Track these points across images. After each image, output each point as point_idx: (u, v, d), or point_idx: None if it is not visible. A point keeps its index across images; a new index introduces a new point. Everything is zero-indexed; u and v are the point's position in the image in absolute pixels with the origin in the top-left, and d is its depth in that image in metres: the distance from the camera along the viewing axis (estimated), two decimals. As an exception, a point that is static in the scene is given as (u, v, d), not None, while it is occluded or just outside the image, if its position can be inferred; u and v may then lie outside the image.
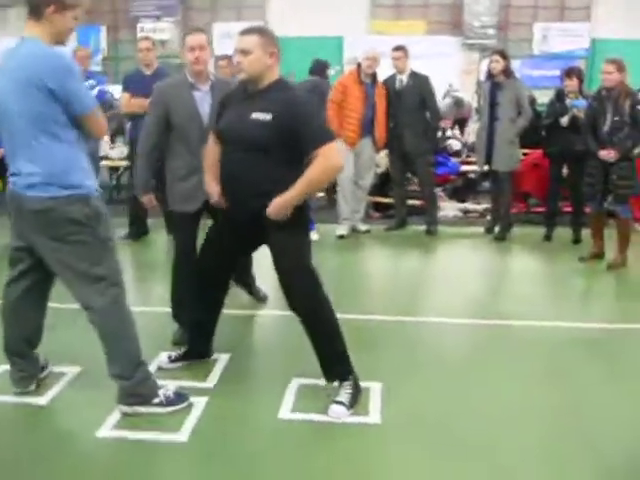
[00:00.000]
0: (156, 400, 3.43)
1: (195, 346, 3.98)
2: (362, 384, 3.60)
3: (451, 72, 18.20)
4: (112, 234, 3.43)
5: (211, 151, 3.66)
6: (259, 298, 5.13)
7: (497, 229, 7.38)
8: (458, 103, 11.37)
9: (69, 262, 3.27)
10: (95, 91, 7.60)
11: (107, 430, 3.25)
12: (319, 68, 8.45)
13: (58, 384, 3.73)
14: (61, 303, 3.78)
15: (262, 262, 3.60)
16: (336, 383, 3.53)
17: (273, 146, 3.30)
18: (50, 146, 3.14)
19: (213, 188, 3.62)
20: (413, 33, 20.94)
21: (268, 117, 3.28)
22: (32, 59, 3.10)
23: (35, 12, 3.15)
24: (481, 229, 7.63)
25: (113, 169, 9.61)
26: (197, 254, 3.88)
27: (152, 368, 3.75)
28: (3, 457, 3.08)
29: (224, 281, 3.88)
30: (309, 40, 20.07)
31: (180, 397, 3.51)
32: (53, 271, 3.39)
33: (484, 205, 8.30)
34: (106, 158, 9.26)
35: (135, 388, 3.40)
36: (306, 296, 3.48)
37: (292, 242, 3.45)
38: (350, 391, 3.48)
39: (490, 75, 7.24)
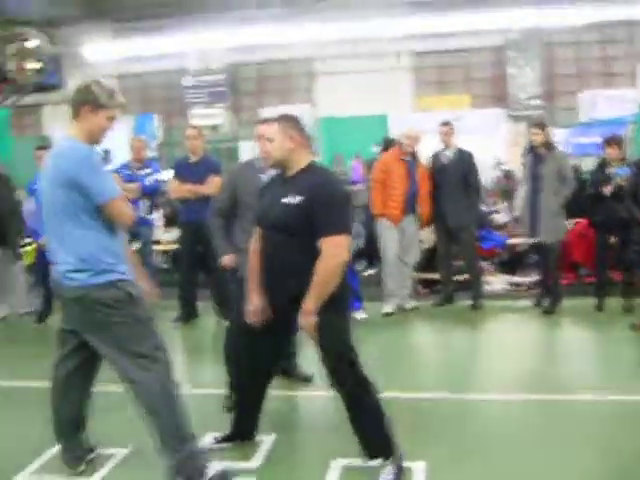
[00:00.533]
0: (206, 476, 3.47)
1: (241, 428, 4.04)
2: (406, 463, 3.59)
3: (498, 144, 18.29)
4: (149, 313, 3.58)
5: (256, 244, 3.75)
6: (303, 379, 5.17)
7: (546, 301, 7.29)
8: (508, 175, 11.48)
9: (110, 343, 3.44)
10: (151, 179, 7.90)
11: (153, 512, 3.31)
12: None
13: (107, 465, 3.83)
14: (109, 386, 3.89)
15: (307, 341, 3.66)
16: (378, 462, 3.53)
17: (302, 230, 3.42)
18: (79, 234, 3.37)
19: (254, 302, 3.69)
20: (458, 107, 21.18)
21: (296, 201, 3.43)
22: (59, 157, 3.42)
23: (74, 112, 3.47)
24: (530, 302, 7.55)
25: (165, 252, 9.87)
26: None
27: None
28: None
29: (272, 360, 3.95)
30: (356, 119, 20.48)
31: (225, 477, 3.55)
32: (97, 351, 3.54)
33: (533, 278, 8.22)
34: (159, 242, 9.54)
35: (185, 463, 3.45)
36: (345, 377, 3.53)
37: (329, 324, 3.48)
38: (393, 471, 3.48)
39: (531, 147, 7.30)
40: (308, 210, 3.42)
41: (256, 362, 3.87)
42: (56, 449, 3.89)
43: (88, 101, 3.45)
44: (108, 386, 3.88)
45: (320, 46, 20.71)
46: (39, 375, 5.21)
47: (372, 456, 3.57)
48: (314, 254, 3.40)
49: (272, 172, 4.33)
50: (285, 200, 3.47)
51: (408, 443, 3.75)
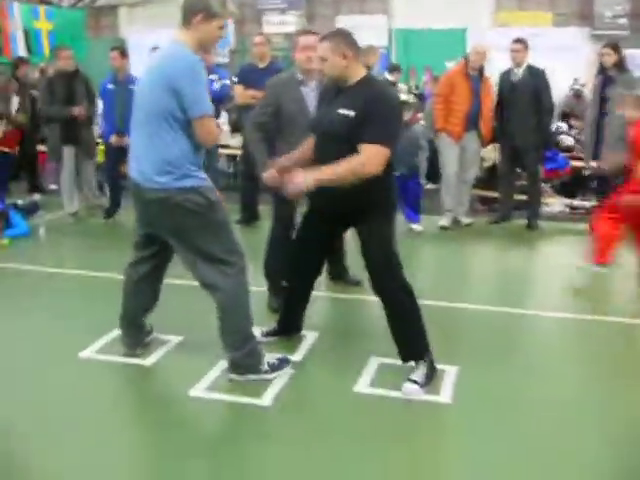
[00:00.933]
0: (263, 368, 3.77)
1: (285, 324, 4.31)
2: (439, 366, 3.80)
3: (579, 65, 17.69)
4: (227, 218, 3.74)
5: (307, 141, 3.96)
6: (353, 284, 5.39)
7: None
8: (578, 95, 11.19)
9: (188, 246, 3.61)
10: (218, 85, 8.02)
11: (199, 391, 3.64)
12: None
13: (161, 349, 4.18)
14: (170, 280, 4.17)
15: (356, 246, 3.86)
16: (412, 363, 3.74)
17: (355, 139, 3.52)
18: (167, 137, 3.44)
19: (272, 168, 4.02)
20: (539, 25, 20.45)
21: (351, 113, 3.52)
22: (166, 60, 3.46)
23: (185, 20, 3.48)
24: (586, 226, 7.51)
25: (231, 157, 10.08)
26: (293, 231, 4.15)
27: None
28: (108, 408, 3.54)
29: (317, 260, 4.14)
30: (432, 33, 20.03)
31: (282, 362, 3.86)
32: (175, 253, 3.77)
33: (593, 202, 8.15)
34: (226, 146, 9.73)
35: (244, 359, 3.74)
36: (388, 281, 3.71)
37: (375, 230, 3.67)
38: (424, 371, 3.69)
39: (602, 69, 7.12)
40: (363, 121, 3.50)
41: (300, 264, 4.09)
42: (116, 332, 4.24)
43: (200, 10, 3.45)
44: (169, 280, 4.16)
45: (398, -46, 20.16)
46: (105, 266, 5.67)
47: (405, 358, 3.77)
48: None
49: (313, 85, 4.54)
50: (341, 111, 3.56)
51: (445, 348, 4.01)
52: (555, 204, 8.31)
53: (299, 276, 4.14)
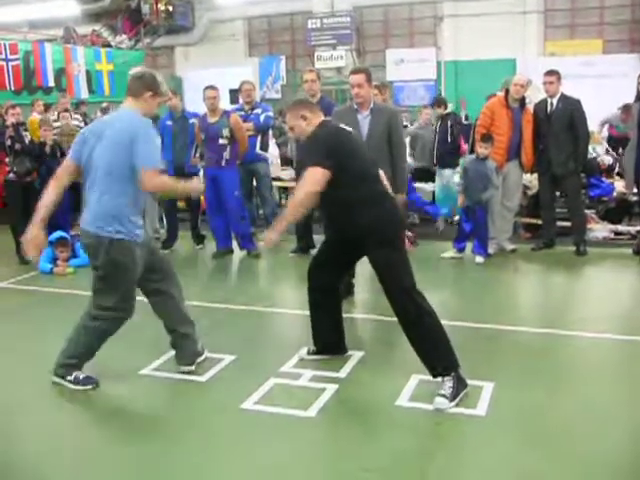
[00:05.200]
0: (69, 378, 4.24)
1: (323, 344, 4.60)
2: (477, 382, 4.05)
3: (630, 91, 17.67)
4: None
5: None
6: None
7: (646, 250, 7.35)
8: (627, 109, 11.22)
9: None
10: (262, 117, 8.51)
11: (250, 404, 3.96)
12: None
13: (216, 367, 4.54)
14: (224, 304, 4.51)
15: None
16: (439, 378, 3.97)
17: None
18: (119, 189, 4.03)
19: None
20: (589, 53, 20.52)
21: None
22: (123, 123, 4.11)
23: (135, 93, 4.19)
24: (630, 251, 7.61)
25: (283, 189, 10.45)
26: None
27: (295, 359, 4.56)
28: (165, 416, 3.93)
29: (333, 286, 4.50)
30: (482, 63, 20.27)
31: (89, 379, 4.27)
32: None
33: (638, 227, 8.23)
34: (278, 179, 10.09)
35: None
36: (403, 303, 4.01)
37: (391, 260, 4.01)
38: (451, 385, 3.90)
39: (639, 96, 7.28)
40: None
41: (324, 281, 4.43)
42: (172, 353, 4.62)
43: (151, 88, 4.17)
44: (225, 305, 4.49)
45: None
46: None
47: (433, 373, 4.01)
48: (349, 203, 4.00)
49: (366, 113, 5.63)
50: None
51: (482, 366, 4.27)
52: (599, 230, 8.38)
53: (320, 305, 4.50)
